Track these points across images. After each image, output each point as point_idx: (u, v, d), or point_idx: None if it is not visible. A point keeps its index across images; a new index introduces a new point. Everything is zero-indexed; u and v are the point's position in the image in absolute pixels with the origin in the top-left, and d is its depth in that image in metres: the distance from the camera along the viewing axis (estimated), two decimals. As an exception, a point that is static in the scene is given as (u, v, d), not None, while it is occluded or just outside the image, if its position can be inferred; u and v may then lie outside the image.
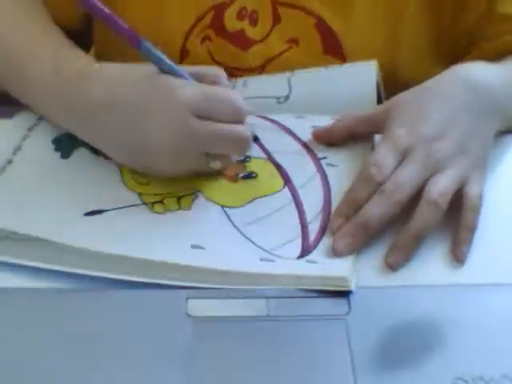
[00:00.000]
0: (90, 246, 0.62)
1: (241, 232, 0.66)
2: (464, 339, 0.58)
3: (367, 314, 0.60)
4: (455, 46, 0.87)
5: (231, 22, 0.84)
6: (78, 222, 0.65)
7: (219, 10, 0.84)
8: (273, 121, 0.78)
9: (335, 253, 0.64)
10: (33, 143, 0.74)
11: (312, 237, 0.66)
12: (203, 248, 0.63)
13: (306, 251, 0.65)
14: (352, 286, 0.61)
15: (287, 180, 0.71)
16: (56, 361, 0.56)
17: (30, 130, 0.76)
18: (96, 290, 0.61)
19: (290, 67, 0.85)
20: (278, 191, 0.70)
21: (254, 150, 0.73)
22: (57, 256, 0.62)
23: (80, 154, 0.73)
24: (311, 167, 0.73)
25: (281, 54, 0.85)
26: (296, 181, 0.71)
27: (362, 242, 0.65)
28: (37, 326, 0.59)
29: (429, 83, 0.74)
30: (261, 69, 0.86)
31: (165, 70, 0.67)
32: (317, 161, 0.74)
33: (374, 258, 0.65)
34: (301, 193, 0.70)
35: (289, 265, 0.63)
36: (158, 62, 0.67)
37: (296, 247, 0.65)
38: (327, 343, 0.58)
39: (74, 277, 0.62)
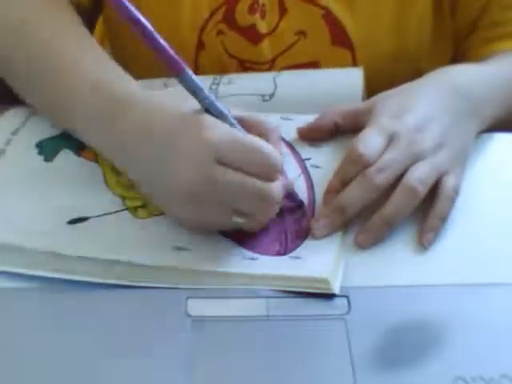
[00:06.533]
0: (75, 253, 0.63)
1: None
2: (464, 339, 0.59)
3: (367, 314, 0.60)
4: (458, 34, 0.90)
5: (243, 16, 0.85)
6: (62, 230, 0.65)
7: (231, 5, 0.85)
8: None
9: (313, 234, 0.66)
10: (16, 147, 0.74)
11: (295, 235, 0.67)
12: (189, 250, 0.64)
13: (288, 249, 0.65)
14: (335, 288, 0.61)
15: None
16: (54, 362, 0.56)
17: (13, 133, 0.75)
18: (94, 290, 0.61)
19: (300, 60, 0.86)
20: None
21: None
22: (47, 262, 0.63)
23: (63, 156, 0.73)
24: (295, 168, 0.73)
25: (290, 46, 0.86)
26: None
27: (338, 225, 0.66)
28: (34, 326, 0.59)
29: (414, 84, 0.76)
30: (271, 62, 0.87)
31: (204, 105, 0.63)
32: (301, 162, 0.74)
33: (374, 257, 0.65)
34: None
35: (271, 263, 0.64)
36: (198, 95, 0.63)
37: (278, 245, 0.66)
38: (327, 343, 0.59)
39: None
